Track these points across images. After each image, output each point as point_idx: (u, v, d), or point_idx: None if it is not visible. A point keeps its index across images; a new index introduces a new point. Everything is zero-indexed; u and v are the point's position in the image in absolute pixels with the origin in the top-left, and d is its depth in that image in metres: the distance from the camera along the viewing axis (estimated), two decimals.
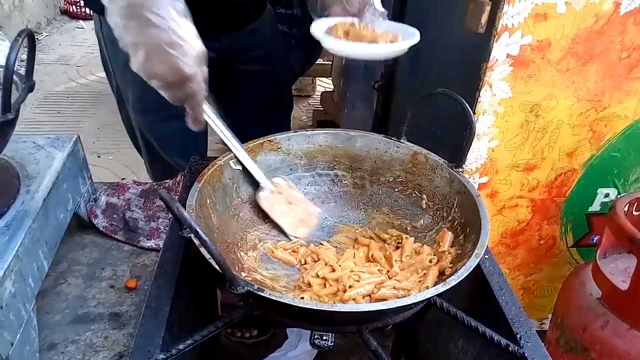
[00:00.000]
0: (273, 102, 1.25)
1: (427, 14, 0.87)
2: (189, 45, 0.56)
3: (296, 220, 0.73)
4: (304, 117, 2.83)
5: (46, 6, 3.81)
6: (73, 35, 3.70)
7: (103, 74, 3.05)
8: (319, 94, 2.91)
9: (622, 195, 0.93)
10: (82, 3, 3.91)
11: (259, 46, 1.10)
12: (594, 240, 1.05)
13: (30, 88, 0.56)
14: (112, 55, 1.01)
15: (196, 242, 0.48)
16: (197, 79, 0.58)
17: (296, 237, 0.73)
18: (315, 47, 1.93)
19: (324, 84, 3.08)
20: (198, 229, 0.46)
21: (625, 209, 0.88)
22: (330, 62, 2.52)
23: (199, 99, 0.60)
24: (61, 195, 0.66)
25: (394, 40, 0.73)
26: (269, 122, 1.23)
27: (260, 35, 1.11)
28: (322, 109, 2.75)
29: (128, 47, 0.56)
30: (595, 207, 1.00)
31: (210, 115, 0.66)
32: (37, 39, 3.51)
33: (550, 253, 1.07)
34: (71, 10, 3.98)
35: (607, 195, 0.98)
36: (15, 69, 0.50)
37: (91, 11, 1.00)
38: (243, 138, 1.28)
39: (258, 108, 1.20)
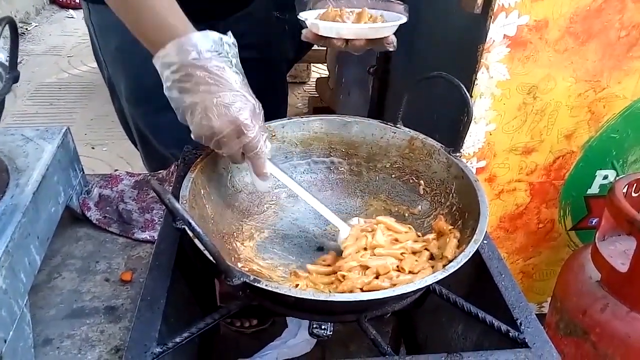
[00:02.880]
0: (268, 90, 1.23)
1: (421, 2, 0.85)
2: (244, 99, 0.59)
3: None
4: (299, 103, 2.80)
5: None
6: (63, 25, 3.64)
7: (95, 64, 3.01)
8: (314, 80, 2.88)
9: (621, 176, 0.92)
10: None
11: (253, 31, 1.08)
12: (593, 223, 1.05)
13: (15, 79, 0.55)
14: (103, 45, 0.99)
15: (190, 233, 0.47)
16: (254, 129, 0.59)
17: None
18: None
19: (319, 70, 3.05)
20: (191, 221, 0.45)
21: (625, 190, 0.88)
22: (325, 48, 2.49)
23: (259, 150, 0.61)
24: (52, 188, 0.64)
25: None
26: (264, 111, 1.22)
27: (254, 21, 1.08)
28: (317, 95, 2.73)
29: (186, 110, 0.60)
30: (594, 189, 1.00)
31: (274, 168, 0.66)
32: (27, 29, 3.45)
33: (549, 236, 1.07)
34: None
35: (605, 177, 0.98)
36: None
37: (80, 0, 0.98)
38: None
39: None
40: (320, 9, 0.76)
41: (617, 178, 0.94)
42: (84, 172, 0.77)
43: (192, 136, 0.62)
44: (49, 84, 2.74)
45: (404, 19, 0.71)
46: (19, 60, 2.18)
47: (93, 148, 2.20)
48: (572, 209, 1.02)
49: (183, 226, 0.46)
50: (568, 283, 0.94)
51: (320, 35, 0.71)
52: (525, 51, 0.78)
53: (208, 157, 0.69)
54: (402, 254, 0.62)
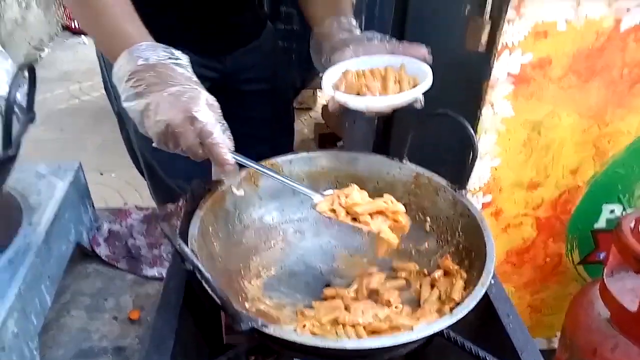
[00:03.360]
0: (276, 121, 1.26)
1: (426, 33, 0.87)
2: (195, 91, 0.60)
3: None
4: (306, 129, 2.83)
5: (48, 22, 3.85)
6: (75, 51, 3.73)
7: (103, 83, 3.06)
8: (321, 106, 2.92)
9: (627, 212, 0.92)
10: None
11: (260, 65, 1.11)
12: (601, 257, 1.04)
13: (31, 119, 0.56)
14: (114, 84, 1.02)
15: (199, 276, 0.47)
16: (207, 115, 0.59)
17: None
18: None
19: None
20: (201, 267, 0.46)
21: (632, 225, 0.87)
22: None
23: (216, 137, 0.60)
24: (63, 227, 0.65)
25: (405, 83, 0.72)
26: (272, 141, 1.23)
27: (261, 53, 1.11)
28: (323, 121, 2.75)
29: (142, 115, 0.60)
30: (601, 223, 0.99)
31: (237, 157, 0.64)
32: (40, 55, 3.54)
33: (556, 271, 1.06)
34: (72, 25, 4.02)
35: (612, 211, 0.98)
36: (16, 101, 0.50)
37: None
38: (246, 157, 1.27)
39: (261, 127, 1.20)
40: (338, 61, 0.75)
41: (624, 214, 0.94)
42: (94, 208, 0.78)
43: (154, 143, 0.62)
44: (60, 110, 2.79)
45: (429, 79, 0.69)
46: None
47: (101, 174, 2.22)
48: (580, 243, 1.02)
49: (191, 267, 0.47)
50: (577, 320, 0.92)
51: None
52: (529, 88, 0.79)
53: (216, 194, 0.70)
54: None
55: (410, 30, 1.05)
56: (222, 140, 0.60)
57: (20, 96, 0.60)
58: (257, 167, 0.66)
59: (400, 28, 1.07)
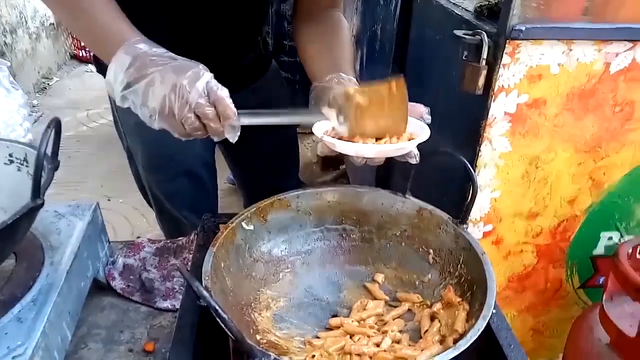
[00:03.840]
0: (282, 153, 1.29)
1: (425, 76, 0.92)
2: (188, 63, 0.63)
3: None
4: (309, 153, 2.87)
5: (57, 52, 3.94)
6: (83, 79, 3.81)
7: (112, 118, 3.11)
8: None
9: (624, 240, 0.95)
10: None
11: (266, 102, 1.14)
12: (601, 282, 1.07)
13: (56, 167, 0.60)
14: (123, 119, 1.06)
15: (216, 316, 0.50)
16: (205, 74, 0.62)
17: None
18: None
19: None
20: (217, 307, 0.49)
21: (629, 251, 0.90)
22: None
23: (221, 91, 0.63)
24: (82, 264, 0.68)
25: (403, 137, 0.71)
26: (279, 171, 1.26)
27: (266, 91, 1.14)
28: (327, 146, 2.79)
29: (144, 97, 0.62)
30: (599, 250, 1.02)
31: (242, 118, 0.66)
32: (48, 84, 3.61)
33: (557, 295, 1.08)
34: (80, 54, 4.11)
35: (610, 238, 1.00)
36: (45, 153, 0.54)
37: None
38: (254, 188, 1.31)
39: (267, 160, 1.23)
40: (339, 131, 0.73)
41: (621, 242, 0.96)
42: (109, 243, 0.81)
43: (155, 122, 0.63)
44: (68, 137, 2.84)
45: (426, 133, 0.69)
46: (39, 114, 2.29)
47: (109, 200, 2.26)
48: (579, 269, 1.04)
49: (205, 304, 0.50)
50: (578, 344, 0.94)
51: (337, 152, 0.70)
52: (525, 126, 0.83)
53: (228, 231, 0.73)
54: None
55: (409, 72, 1.09)
56: (227, 95, 0.63)
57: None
58: (261, 120, 0.69)
59: (400, 70, 1.12)
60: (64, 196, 2.24)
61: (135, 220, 2.15)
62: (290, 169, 1.33)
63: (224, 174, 2.21)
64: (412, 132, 0.71)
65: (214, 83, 0.64)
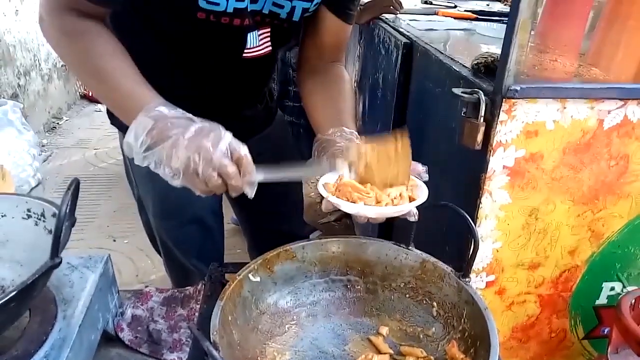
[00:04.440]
0: (286, 197, 1.32)
1: (425, 125, 0.95)
2: (208, 125, 0.67)
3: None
4: (312, 193, 2.90)
5: (67, 92, 4.05)
6: (92, 118, 3.90)
7: (119, 157, 3.16)
8: None
9: (626, 292, 0.95)
10: None
11: (275, 149, 1.18)
12: (605, 332, 1.06)
13: (72, 224, 0.63)
14: (134, 167, 1.09)
15: None
16: (226, 136, 0.67)
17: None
18: None
19: None
20: None
21: (632, 302, 0.91)
22: None
23: (243, 153, 0.67)
24: (93, 317, 0.70)
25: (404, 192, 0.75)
26: (284, 215, 1.29)
27: (275, 139, 1.18)
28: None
29: (166, 159, 0.66)
30: (602, 300, 1.03)
31: (260, 176, 0.70)
32: (58, 123, 3.70)
33: (562, 345, 1.08)
34: (90, 94, 4.22)
35: (612, 288, 1.01)
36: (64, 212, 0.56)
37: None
38: (258, 231, 1.33)
39: (272, 204, 1.25)
40: (332, 174, 0.78)
41: (623, 292, 0.97)
42: (119, 294, 0.83)
43: (178, 181, 0.67)
44: (76, 176, 2.89)
45: (425, 194, 0.72)
46: (48, 154, 2.34)
47: (114, 240, 2.28)
48: (583, 319, 1.05)
49: None
50: None
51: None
52: (524, 179, 0.85)
53: (235, 283, 0.74)
54: None
55: (411, 121, 1.13)
56: (247, 152, 0.68)
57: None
58: (279, 176, 0.73)
59: (402, 116, 1.16)
60: (70, 236, 2.26)
61: (140, 261, 2.16)
62: (294, 213, 1.35)
63: (227, 215, 2.24)
64: (412, 189, 0.75)
65: (235, 143, 0.68)
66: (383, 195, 0.73)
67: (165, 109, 0.69)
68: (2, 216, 0.73)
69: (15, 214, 0.72)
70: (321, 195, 0.75)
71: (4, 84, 3.00)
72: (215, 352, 0.50)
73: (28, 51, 3.41)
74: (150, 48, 0.83)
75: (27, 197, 0.73)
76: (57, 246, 0.55)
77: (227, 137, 0.68)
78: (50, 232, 0.69)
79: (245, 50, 0.84)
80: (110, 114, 1.07)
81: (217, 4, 0.75)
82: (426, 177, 0.77)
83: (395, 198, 0.73)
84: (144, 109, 0.68)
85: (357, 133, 0.86)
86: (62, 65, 3.97)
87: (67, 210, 0.60)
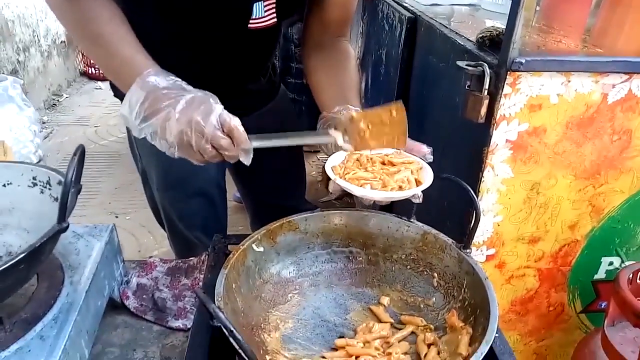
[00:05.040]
0: (288, 173, 1.32)
1: (428, 101, 0.95)
2: (209, 96, 0.69)
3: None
4: (314, 172, 2.90)
5: (67, 69, 4.02)
6: (92, 95, 3.88)
7: (120, 135, 3.16)
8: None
9: (624, 266, 0.96)
10: None
11: (277, 124, 1.18)
12: (602, 307, 1.08)
13: (78, 191, 0.63)
14: (138, 140, 1.09)
15: (230, 338, 0.53)
16: (218, 107, 0.67)
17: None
18: None
19: None
20: (232, 329, 0.51)
21: (630, 277, 0.92)
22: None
23: (234, 121, 0.68)
24: (99, 283, 0.71)
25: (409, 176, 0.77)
26: (286, 191, 1.29)
27: (277, 113, 1.18)
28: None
29: (161, 130, 0.67)
30: (600, 274, 1.04)
31: (254, 142, 0.71)
32: (58, 100, 3.68)
33: (560, 319, 1.10)
34: (90, 72, 4.20)
35: (611, 263, 1.02)
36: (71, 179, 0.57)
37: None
38: (261, 207, 1.34)
39: (274, 179, 1.26)
40: (338, 154, 0.81)
41: (621, 267, 0.98)
42: (124, 262, 0.84)
43: (175, 152, 0.68)
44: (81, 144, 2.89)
45: (430, 178, 0.75)
46: (49, 131, 2.34)
47: (117, 217, 2.29)
48: (581, 294, 1.06)
49: (219, 325, 0.52)
50: None
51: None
52: (526, 153, 0.86)
53: (239, 252, 0.75)
54: None
55: (413, 100, 1.13)
56: (239, 123, 0.68)
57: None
58: (272, 143, 0.74)
59: (405, 91, 1.15)
60: (72, 212, 2.28)
61: (142, 237, 2.18)
62: (296, 189, 1.36)
63: (229, 192, 2.25)
64: (417, 172, 0.77)
65: (226, 114, 0.68)
66: (390, 180, 0.75)
67: (158, 79, 0.69)
68: (8, 184, 0.73)
69: (21, 182, 0.73)
70: (324, 175, 0.76)
71: (3, 60, 2.97)
72: (221, 314, 0.51)
73: (27, 26, 3.38)
74: (155, 21, 0.83)
75: (32, 165, 0.74)
76: (64, 211, 0.55)
77: (218, 108, 0.68)
78: (55, 199, 0.70)
79: (251, 21, 0.84)
80: (112, 86, 1.06)
81: None
82: (431, 158, 0.77)
83: (402, 182, 0.75)
84: (137, 79, 0.68)
85: (361, 109, 0.86)
86: (61, 42, 3.93)
87: (74, 177, 0.60)
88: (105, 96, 3.82)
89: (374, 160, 0.80)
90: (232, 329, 0.51)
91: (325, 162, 0.82)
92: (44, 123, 3.22)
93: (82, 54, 4.16)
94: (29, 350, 0.56)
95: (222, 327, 0.51)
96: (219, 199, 1.15)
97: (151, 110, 0.67)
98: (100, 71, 4.08)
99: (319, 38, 0.96)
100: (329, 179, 0.78)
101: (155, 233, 2.13)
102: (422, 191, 0.76)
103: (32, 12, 3.45)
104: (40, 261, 0.59)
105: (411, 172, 0.77)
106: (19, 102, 2.60)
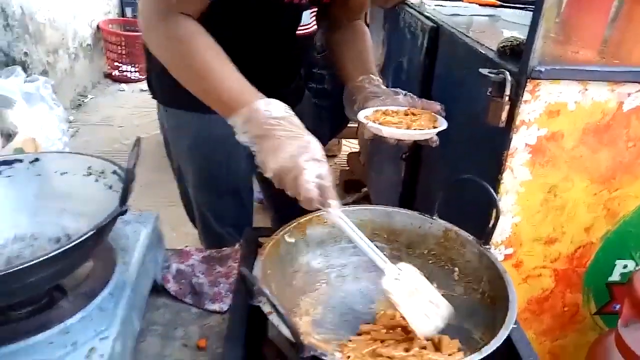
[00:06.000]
0: None
1: (450, 106, 1.00)
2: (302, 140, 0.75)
3: (421, 314, 0.72)
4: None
5: (92, 71, 4.15)
6: (115, 97, 4.00)
7: (143, 135, 3.24)
8: (345, 153, 3.06)
9: (639, 268, 1.00)
10: (123, 68, 4.24)
11: None
12: (616, 309, 1.11)
13: (133, 179, 0.69)
14: (174, 141, 1.15)
15: (272, 313, 0.58)
16: (307, 179, 0.72)
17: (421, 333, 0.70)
18: (344, 116, 2.11)
19: (349, 144, 3.23)
20: (277, 304, 0.57)
21: None
22: (356, 126, 2.68)
23: (327, 176, 0.74)
24: (146, 266, 0.77)
25: (428, 124, 0.92)
26: None
27: (300, 118, 1.24)
28: (348, 168, 2.89)
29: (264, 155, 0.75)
30: (614, 277, 1.07)
31: (340, 218, 0.76)
32: (84, 101, 3.80)
33: (574, 319, 1.13)
34: (113, 74, 4.32)
35: (625, 266, 1.06)
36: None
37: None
38: (282, 206, 1.40)
39: None
40: (370, 107, 0.95)
41: (636, 269, 1.02)
42: (165, 250, 0.90)
43: (269, 175, 0.75)
44: (102, 152, 2.98)
45: (445, 124, 0.90)
46: (75, 130, 2.42)
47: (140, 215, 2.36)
48: (595, 295, 1.10)
49: (259, 304, 0.58)
50: None
51: (378, 135, 0.90)
52: (544, 157, 0.90)
53: (273, 242, 0.81)
54: None
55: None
56: (331, 183, 0.74)
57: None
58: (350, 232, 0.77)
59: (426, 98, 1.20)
60: None
61: (166, 234, 2.24)
62: None
63: None
64: (433, 122, 0.93)
65: (325, 172, 0.74)
66: (413, 124, 0.90)
67: (272, 106, 0.77)
68: (65, 173, 0.80)
69: (77, 171, 0.79)
70: (359, 125, 0.93)
71: (35, 61, 3.09)
72: (266, 291, 0.56)
73: (56, 29, 3.50)
74: (210, 25, 0.86)
75: (88, 156, 0.80)
76: (125, 196, 0.62)
77: (323, 166, 0.74)
78: (109, 187, 0.76)
79: (299, 28, 0.91)
80: (151, 87, 1.13)
81: None
82: (444, 113, 0.92)
83: (421, 127, 0.91)
84: (247, 106, 0.75)
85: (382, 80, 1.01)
86: (87, 45, 4.06)
87: (134, 166, 0.67)
88: (128, 98, 3.94)
89: (398, 112, 0.94)
90: (275, 303, 0.57)
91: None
92: (70, 122, 3.33)
93: (107, 57, 4.29)
94: (91, 319, 0.62)
95: (267, 301, 0.57)
96: (247, 198, 1.21)
97: (261, 131, 0.74)
98: (124, 73, 4.22)
99: (341, 20, 1.10)
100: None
101: (179, 230, 2.20)
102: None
103: (62, 16, 3.58)
104: (102, 239, 0.66)
105: (429, 119, 0.92)
106: (49, 102, 2.71)
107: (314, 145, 0.75)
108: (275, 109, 0.76)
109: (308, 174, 0.72)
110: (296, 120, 0.78)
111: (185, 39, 0.80)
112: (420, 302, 0.73)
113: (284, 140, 0.73)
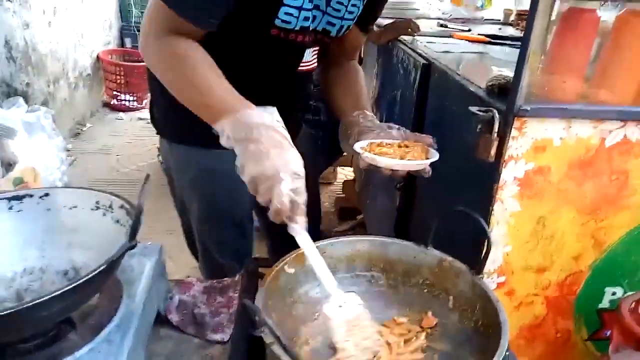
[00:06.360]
0: (306, 207, 1.40)
1: (441, 140, 1.04)
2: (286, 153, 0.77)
3: (352, 347, 0.75)
4: (327, 203, 2.99)
5: (91, 100, 4.21)
6: (113, 126, 4.04)
7: (140, 163, 3.28)
8: (341, 181, 3.11)
9: (626, 295, 1.03)
10: (122, 97, 4.31)
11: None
12: (607, 335, 1.14)
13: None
14: (177, 175, 1.18)
15: (274, 343, 0.61)
16: (282, 192, 0.74)
17: None
18: (339, 147, 2.16)
19: (344, 172, 3.28)
20: (279, 334, 0.59)
21: (632, 306, 0.98)
22: (351, 155, 2.73)
23: (300, 196, 0.77)
24: (151, 298, 0.80)
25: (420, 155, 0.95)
26: None
27: (300, 148, 1.28)
28: (344, 195, 2.93)
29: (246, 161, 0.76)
30: (604, 304, 1.10)
31: (301, 235, 0.79)
32: (82, 130, 3.84)
33: (567, 345, 1.15)
34: (112, 103, 4.38)
35: (614, 293, 1.09)
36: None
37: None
38: (278, 236, 1.42)
39: None
40: (363, 141, 0.98)
41: (624, 296, 1.05)
42: (168, 281, 0.93)
43: (245, 179, 0.76)
44: (100, 181, 3.01)
45: (436, 156, 0.92)
46: (73, 159, 2.45)
47: (138, 242, 2.38)
48: (586, 322, 1.12)
49: (261, 334, 0.61)
50: None
51: (373, 165, 0.93)
52: (532, 190, 0.95)
53: (273, 273, 0.84)
54: None
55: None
56: (304, 202, 0.77)
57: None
58: (308, 253, 0.80)
59: (419, 131, 1.24)
60: None
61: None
62: (312, 221, 1.43)
63: None
64: (425, 153, 0.95)
65: (301, 187, 0.77)
66: (406, 155, 0.92)
67: (256, 116, 0.79)
68: (74, 207, 0.83)
69: (85, 205, 0.82)
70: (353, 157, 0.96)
71: (36, 91, 3.14)
72: (269, 321, 0.59)
73: (57, 60, 3.57)
74: (214, 58, 0.89)
75: (96, 191, 0.83)
76: (135, 231, 0.65)
77: (299, 181, 0.77)
78: (117, 222, 0.79)
79: (301, 64, 0.96)
80: (155, 122, 1.17)
81: (289, 23, 0.88)
82: (435, 146, 0.94)
83: (414, 158, 0.93)
84: (233, 114, 0.78)
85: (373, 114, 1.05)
86: (87, 75, 4.13)
87: (143, 202, 0.70)
88: (126, 126, 3.99)
89: (392, 144, 0.97)
90: (277, 333, 0.59)
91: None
92: (68, 151, 3.36)
93: (106, 86, 4.36)
94: (100, 352, 0.64)
95: (270, 331, 0.60)
96: (249, 229, 1.24)
97: (246, 135, 0.76)
98: (123, 102, 4.28)
99: (337, 58, 1.15)
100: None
101: (176, 259, 2.21)
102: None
103: (63, 47, 3.66)
104: (112, 273, 0.68)
105: (421, 150, 0.95)
106: (49, 131, 2.75)
107: (295, 159, 0.78)
108: (266, 116, 0.79)
109: (284, 185, 0.74)
110: (284, 131, 0.81)
111: (180, 51, 0.83)
112: (356, 335, 0.76)
113: (268, 148, 0.75)
